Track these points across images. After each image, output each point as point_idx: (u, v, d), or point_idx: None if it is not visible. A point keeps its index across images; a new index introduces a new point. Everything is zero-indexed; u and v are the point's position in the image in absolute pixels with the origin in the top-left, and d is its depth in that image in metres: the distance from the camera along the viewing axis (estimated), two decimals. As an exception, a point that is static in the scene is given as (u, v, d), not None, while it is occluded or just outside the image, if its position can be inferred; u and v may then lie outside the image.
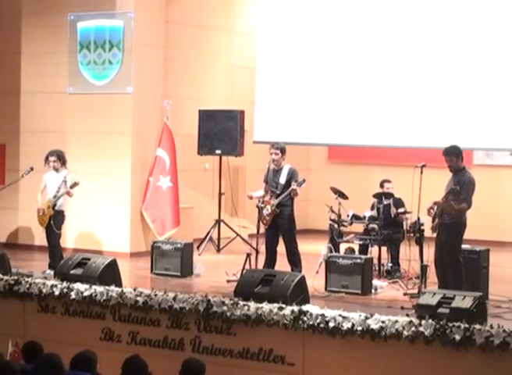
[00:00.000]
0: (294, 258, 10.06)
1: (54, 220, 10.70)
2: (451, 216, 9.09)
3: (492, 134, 11.84)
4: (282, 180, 10.07)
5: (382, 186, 11.36)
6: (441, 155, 9.29)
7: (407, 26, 12.32)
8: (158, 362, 7.22)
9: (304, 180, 10.21)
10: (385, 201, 11.13)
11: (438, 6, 12.10)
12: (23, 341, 7.42)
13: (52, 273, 10.15)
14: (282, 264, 10.14)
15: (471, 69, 11.90)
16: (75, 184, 10.67)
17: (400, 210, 10.83)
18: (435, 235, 9.30)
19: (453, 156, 9.24)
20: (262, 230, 10.20)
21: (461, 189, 9.06)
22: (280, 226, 10.12)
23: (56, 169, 10.84)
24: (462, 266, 9.09)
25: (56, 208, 10.69)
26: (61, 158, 10.89)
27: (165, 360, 7.86)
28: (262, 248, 10.15)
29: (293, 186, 9.97)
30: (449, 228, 9.11)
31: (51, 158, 10.83)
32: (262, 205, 10.05)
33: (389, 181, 11.30)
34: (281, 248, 10.30)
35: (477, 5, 11.90)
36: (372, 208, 11.25)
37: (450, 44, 12.02)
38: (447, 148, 9.31)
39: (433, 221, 9.25)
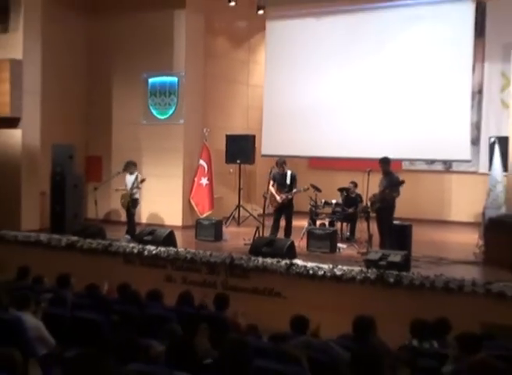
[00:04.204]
0: (289, 230, 9.94)
1: (131, 205, 10.71)
2: (387, 202, 9.11)
3: (413, 150, 11.84)
4: (288, 181, 9.95)
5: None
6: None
7: (364, 77, 12.32)
8: (200, 294, 7.28)
9: (308, 188, 10.17)
10: (345, 193, 11.13)
11: (391, 61, 12.05)
12: (115, 283, 7.37)
13: (128, 236, 10.28)
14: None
15: (400, 108, 11.94)
16: (143, 180, 10.65)
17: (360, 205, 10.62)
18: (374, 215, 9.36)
19: (386, 163, 9.29)
20: (267, 211, 10.07)
21: (393, 185, 9.09)
22: (285, 209, 9.97)
23: (131, 173, 10.83)
24: (394, 234, 9.11)
25: (132, 197, 10.69)
26: (131, 167, 10.85)
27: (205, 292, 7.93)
28: (267, 223, 10.05)
29: (300, 191, 9.94)
30: (386, 210, 9.14)
31: (127, 169, 10.86)
32: (279, 199, 9.82)
33: (354, 183, 11.07)
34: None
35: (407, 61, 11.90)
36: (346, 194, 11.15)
37: (390, 94, 12.06)
38: (381, 158, 9.35)
39: (371, 205, 9.29)
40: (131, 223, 10.83)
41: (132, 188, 10.70)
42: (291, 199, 9.97)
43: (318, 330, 5.46)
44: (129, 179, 10.82)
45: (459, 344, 4.52)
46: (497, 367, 3.77)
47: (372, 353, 3.44)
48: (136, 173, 10.84)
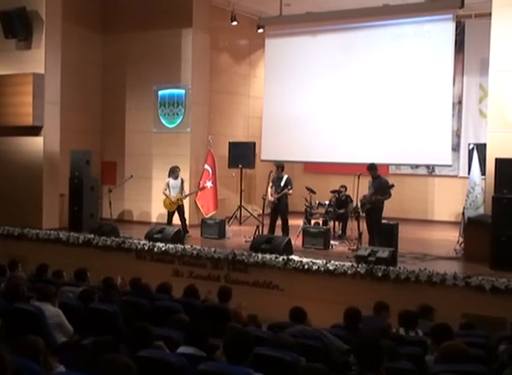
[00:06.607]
0: (286, 229, 9.94)
1: (181, 207, 10.64)
2: (376, 203, 9.08)
3: (399, 155, 11.76)
4: (282, 183, 9.94)
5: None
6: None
7: (352, 91, 12.28)
8: (205, 288, 7.30)
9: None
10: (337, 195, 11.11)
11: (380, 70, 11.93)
12: (127, 277, 7.44)
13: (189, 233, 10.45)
14: (277, 232, 10.05)
15: (387, 118, 11.89)
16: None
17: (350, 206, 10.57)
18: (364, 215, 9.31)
19: (374, 169, 9.25)
20: (266, 211, 10.05)
21: (383, 188, 9.06)
22: (279, 209, 9.97)
23: (175, 178, 10.68)
24: (382, 232, 9.10)
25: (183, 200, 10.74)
26: (176, 172, 10.67)
27: (209, 287, 7.90)
28: (266, 222, 10.04)
29: (288, 190, 9.88)
30: (375, 210, 9.12)
31: (172, 174, 10.66)
32: (271, 198, 9.87)
33: (344, 187, 11.07)
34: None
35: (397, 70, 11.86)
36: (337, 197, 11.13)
37: (378, 104, 11.99)
38: (369, 164, 9.31)
39: (361, 206, 9.24)
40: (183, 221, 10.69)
41: (185, 194, 10.65)
42: (285, 199, 9.92)
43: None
44: (175, 183, 10.65)
45: (433, 335, 4.54)
46: (463, 348, 3.91)
47: (374, 340, 3.37)
48: (180, 178, 10.72)
